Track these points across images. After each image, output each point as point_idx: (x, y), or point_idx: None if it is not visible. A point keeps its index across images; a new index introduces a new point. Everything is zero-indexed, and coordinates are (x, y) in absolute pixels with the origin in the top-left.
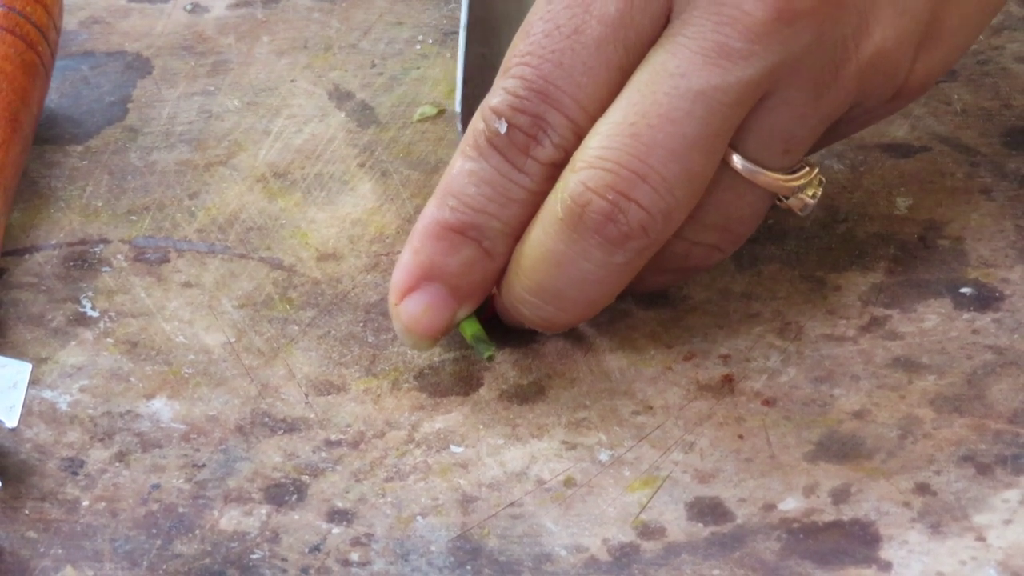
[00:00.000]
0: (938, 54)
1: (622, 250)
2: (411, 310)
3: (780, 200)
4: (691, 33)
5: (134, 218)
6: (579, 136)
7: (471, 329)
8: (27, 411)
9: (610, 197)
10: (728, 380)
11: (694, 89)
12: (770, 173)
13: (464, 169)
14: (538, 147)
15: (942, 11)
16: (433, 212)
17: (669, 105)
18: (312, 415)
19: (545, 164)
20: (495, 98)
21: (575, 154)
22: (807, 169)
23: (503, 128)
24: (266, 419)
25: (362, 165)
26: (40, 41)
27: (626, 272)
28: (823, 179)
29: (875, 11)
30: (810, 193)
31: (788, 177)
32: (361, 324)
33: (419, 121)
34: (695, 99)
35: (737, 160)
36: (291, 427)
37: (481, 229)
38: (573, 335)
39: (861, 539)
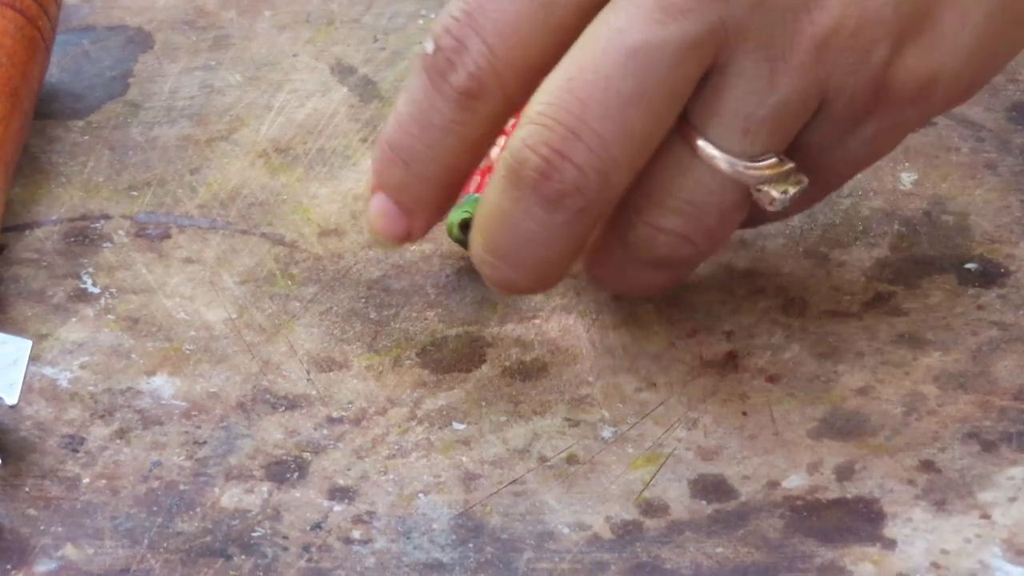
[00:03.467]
0: (929, 53)
1: (560, 209)
2: (371, 211)
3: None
4: None
5: (135, 193)
6: (495, 70)
7: (452, 232)
8: (27, 388)
9: (544, 153)
10: (732, 356)
11: (629, 44)
12: (728, 156)
13: (405, 88)
14: (453, 72)
15: (933, 5)
16: (384, 126)
17: (605, 61)
18: (314, 392)
19: (459, 92)
20: (437, 20)
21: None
22: (774, 160)
23: (429, 48)
24: (267, 396)
25: (364, 140)
26: (40, 16)
27: (572, 233)
28: (802, 180)
29: None
30: (780, 189)
31: (749, 164)
32: (363, 300)
33: None
34: (631, 54)
35: (697, 140)
36: (292, 404)
37: (407, 150)
38: (576, 311)
39: (865, 517)
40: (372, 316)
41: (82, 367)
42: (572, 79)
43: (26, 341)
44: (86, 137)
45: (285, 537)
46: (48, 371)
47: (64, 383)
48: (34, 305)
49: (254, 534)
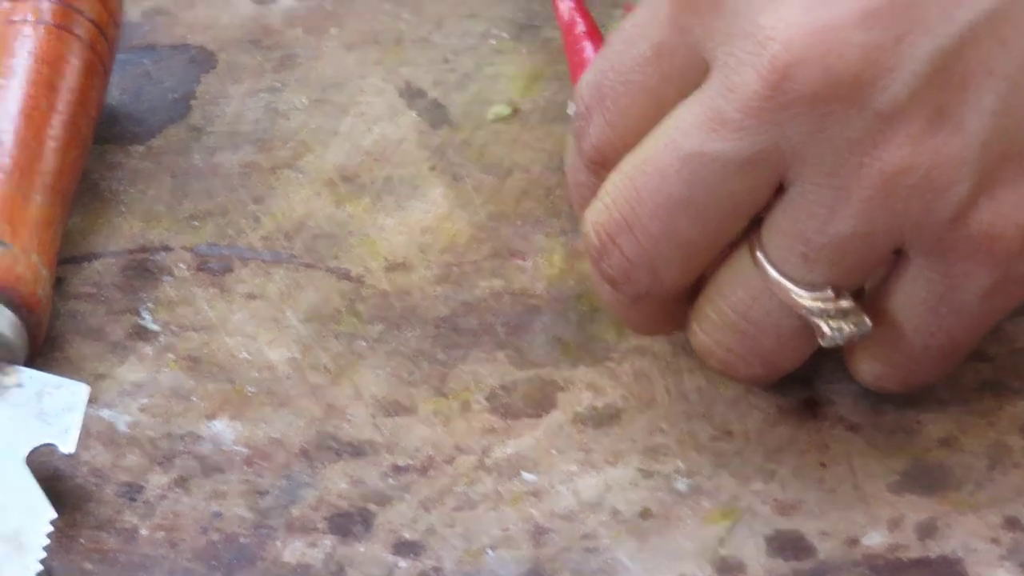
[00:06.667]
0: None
1: (618, 290)
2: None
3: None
4: (703, 93)
5: (197, 224)
6: (609, 143)
7: None
8: (85, 432)
9: (600, 236)
10: (811, 403)
11: (685, 149)
12: (784, 279)
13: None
14: (583, 138)
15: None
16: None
17: (663, 160)
18: (379, 438)
19: (587, 157)
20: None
21: None
22: (831, 294)
23: (571, 110)
24: (331, 442)
25: (433, 168)
26: (99, 38)
27: (643, 312)
28: (864, 323)
29: (903, 119)
30: (834, 325)
31: (803, 293)
32: (431, 340)
33: (493, 121)
34: (684, 160)
35: (758, 254)
36: (357, 451)
37: (574, 193)
38: (651, 353)
39: None
40: (440, 357)
41: (141, 410)
42: (636, 167)
43: (83, 385)
44: (147, 163)
45: None
46: (106, 414)
47: (122, 427)
48: (92, 343)
49: None
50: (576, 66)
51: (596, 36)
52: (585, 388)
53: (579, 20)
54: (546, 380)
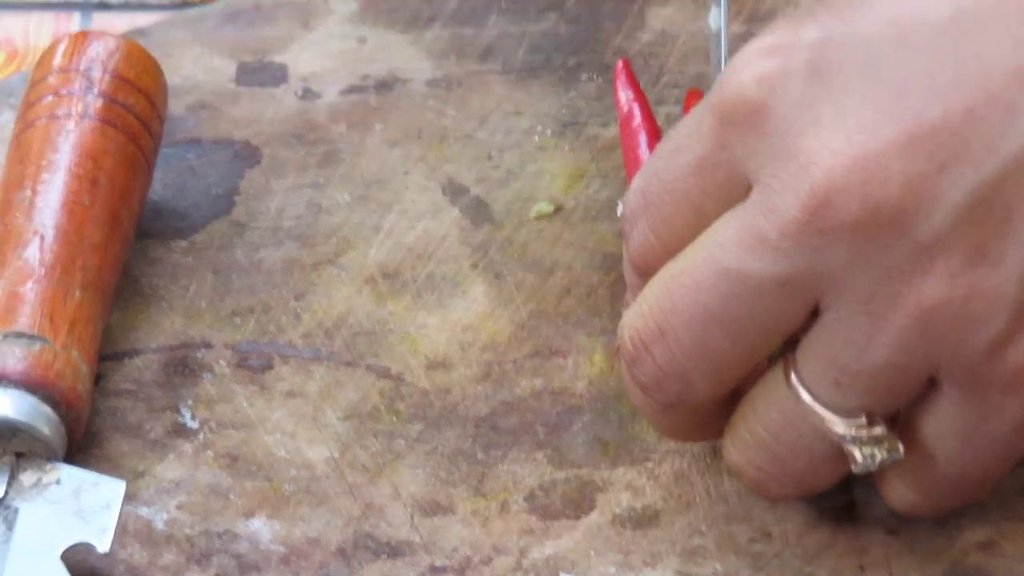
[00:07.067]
0: None
1: (651, 396)
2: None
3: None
4: (744, 211)
5: (238, 320)
6: (652, 249)
7: None
8: (122, 529)
9: (635, 341)
10: (850, 506)
11: (722, 265)
12: (816, 406)
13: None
14: (629, 242)
15: None
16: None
17: (701, 273)
18: (417, 538)
19: (631, 261)
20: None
21: None
22: (864, 420)
23: (620, 211)
24: (369, 542)
25: (475, 266)
26: (143, 133)
27: (676, 418)
28: (897, 449)
29: (942, 251)
30: (866, 452)
31: (836, 419)
32: (471, 439)
33: (535, 219)
34: (721, 275)
35: (792, 376)
36: (395, 551)
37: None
38: (690, 453)
39: None
40: (479, 456)
41: (179, 507)
42: (673, 278)
43: (120, 482)
44: (189, 258)
45: None
46: (144, 511)
47: (160, 525)
48: (131, 440)
49: None
50: (630, 159)
51: (652, 129)
52: (624, 489)
53: (637, 112)
54: (585, 480)
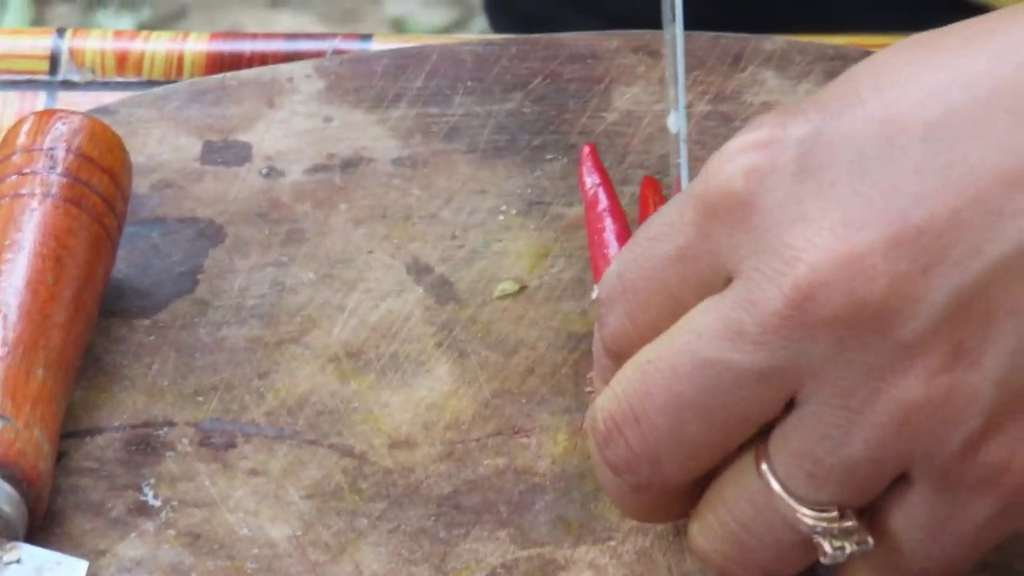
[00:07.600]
0: None
1: (619, 476)
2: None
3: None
4: (724, 301)
5: (201, 399)
6: (627, 334)
7: None
8: None
9: (607, 423)
10: None
11: (700, 354)
12: (787, 497)
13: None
14: (604, 326)
15: None
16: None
17: (678, 360)
18: None
19: (605, 344)
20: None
21: None
22: (835, 514)
23: (595, 294)
24: None
25: (439, 345)
26: (107, 212)
27: (640, 500)
28: (866, 541)
29: (922, 351)
30: (836, 544)
31: (805, 511)
32: (433, 518)
33: (499, 298)
34: (697, 366)
35: (763, 466)
36: None
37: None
38: (653, 532)
39: None
40: (442, 535)
41: None
42: (650, 362)
43: (82, 562)
44: (152, 337)
45: None
46: None
47: None
48: (92, 518)
49: None
50: (595, 243)
51: (618, 214)
52: (587, 567)
53: (603, 197)
54: (547, 559)
